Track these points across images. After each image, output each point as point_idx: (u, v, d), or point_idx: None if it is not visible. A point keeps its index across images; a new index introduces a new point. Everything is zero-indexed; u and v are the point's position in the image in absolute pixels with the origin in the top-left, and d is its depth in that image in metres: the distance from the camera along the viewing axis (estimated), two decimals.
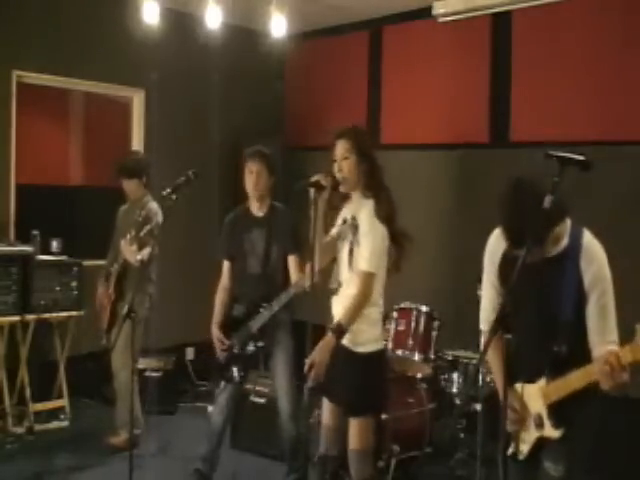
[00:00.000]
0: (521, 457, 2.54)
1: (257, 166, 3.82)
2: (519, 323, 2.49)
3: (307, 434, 3.18)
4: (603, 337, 2.37)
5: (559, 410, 2.41)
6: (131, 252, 4.26)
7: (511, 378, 2.51)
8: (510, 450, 2.55)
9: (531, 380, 2.49)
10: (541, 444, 2.50)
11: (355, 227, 3.08)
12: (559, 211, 2.36)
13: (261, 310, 3.75)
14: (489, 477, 3.73)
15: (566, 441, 2.44)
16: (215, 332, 3.87)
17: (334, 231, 3.26)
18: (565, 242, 2.44)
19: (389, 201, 3.13)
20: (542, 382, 2.46)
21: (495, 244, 2.60)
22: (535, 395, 2.48)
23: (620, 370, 2.17)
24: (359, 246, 3.05)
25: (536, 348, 2.48)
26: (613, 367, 2.17)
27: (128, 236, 4.27)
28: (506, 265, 2.49)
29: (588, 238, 2.45)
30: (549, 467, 2.48)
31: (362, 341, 3.11)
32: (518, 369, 2.50)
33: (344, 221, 3.20)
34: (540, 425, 2.46)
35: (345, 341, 3.11)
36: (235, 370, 3.80)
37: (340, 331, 3.04)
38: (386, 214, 3.09)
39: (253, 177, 3.82)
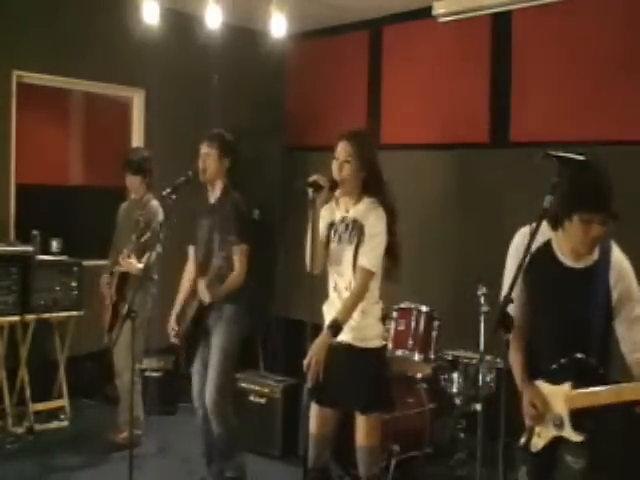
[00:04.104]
0: (534, 450, 2.59)
1: (205, 149, 3.77)
2: (543, 325, 2.59)
3: (306, 435, 3.16)
4: (636, 346, 2.45)
5: (583, 418, 2.45)
6: (129, 265, 4.29)
7: (530, 374, 2.60)
8: (522, 440, 2.60)
9: (554, 380, 2.53)
10: (558, 441, 2.54)
11: (361, 229, 3.09)
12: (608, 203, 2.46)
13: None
14: (489, 477, 3.74)
15: (586, 445, 2.48)
16: (171, 322, 3.87)
17: (322, 232, 3.25)
18: (595, 256, 2.51)
19: (394, 212, 3.15)
20: (566, 386, 2.49)
21: (522, 241, 2.62)
22: (558, 396, 2.51)
23: None
24: (364, 245, 3.06)
25: (560, 353, 2.51)
26: None
27: (125, 251, 4.30)
28: (532, 269, 2.51)
29: (617, 253, 2.53)
30: (570, 460, 2.53)
31: (371, 336, 3.13)
32: (539, 368, 2.58)
33: (342, 220, 3.20)
34: (560, 426, 2.50)
35: (351, 339, 3.11)
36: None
37: (336, 327, 3.03)
38: (391, 225, 3.12)
39: (200, 161, 3.75)
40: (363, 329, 3.11)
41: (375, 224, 3.08)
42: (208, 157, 3.75)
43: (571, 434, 2.47)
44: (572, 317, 2.52)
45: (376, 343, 3.14)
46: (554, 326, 2.58)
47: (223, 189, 3.82)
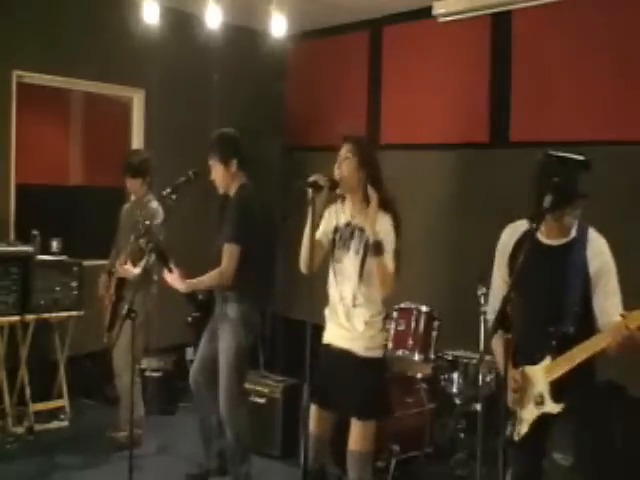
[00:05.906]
0: (517, 437, 2.64)
1: (210, 160, 3.77)
2: (525, 304, 2.64)
3: (306, 435, 3.16)
4: (611, 317, 2.49)
5: (561, 386, 2.53)
6: (125, 271, 4.30)
7: (515, 360, 2.64)
8: (507, 432, 2.64)
9: (535, 361, 2.60)
10: (541, 428, 2.59)
11: (367, 241, 3.10)
12: (574, 194, 2.54)
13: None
14: (489, 477, 3.74)
15: (568, 420, 2.54)
16: None
17: (322, 233, 3.27)
18: (573, 234, 2.63)
19: (396, 213, 3.18)
20: (547, 361, 2.57)
21: (507, 238, 2.78)
22: (538, 375, 2.59)
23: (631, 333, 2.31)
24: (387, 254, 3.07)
25: (541, 329, 2.59)
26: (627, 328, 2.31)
27: (122, 257, 4.32)
28: (516, 254, 2.64)
29: (593, 232, 2.64)
30: (558, 458, 2.58)
31: (374, 346, 3.18)
32: (522, 349, 2.63)
33: (347, 225, 3.21)
34: (540, 403, 2.58)
35: (355, 348, 3.15)
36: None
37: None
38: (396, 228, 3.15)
39: (212, 172, 3.76)
40: (367, 339, 3.16)
41: (391, 239, 3.11)
42: (212, 169, 3.76)
43: (552, 406, 2.54)
44: (549, 289, 2.61)
45: (378, 353, 3.21)
46: (534, 301, 2.66)
47: (237, 189, 3.78)
